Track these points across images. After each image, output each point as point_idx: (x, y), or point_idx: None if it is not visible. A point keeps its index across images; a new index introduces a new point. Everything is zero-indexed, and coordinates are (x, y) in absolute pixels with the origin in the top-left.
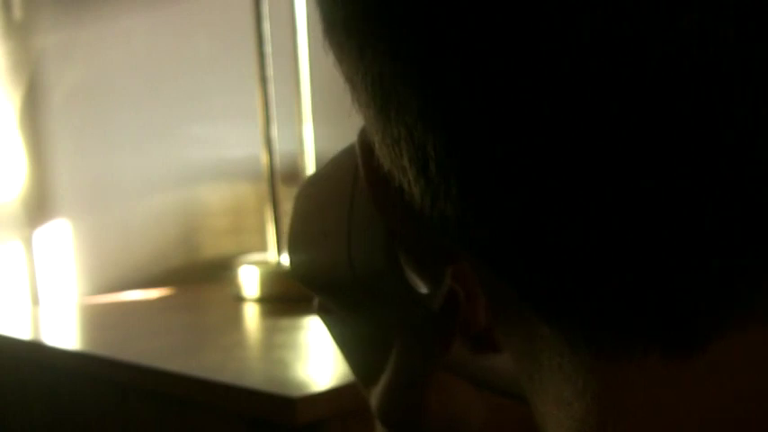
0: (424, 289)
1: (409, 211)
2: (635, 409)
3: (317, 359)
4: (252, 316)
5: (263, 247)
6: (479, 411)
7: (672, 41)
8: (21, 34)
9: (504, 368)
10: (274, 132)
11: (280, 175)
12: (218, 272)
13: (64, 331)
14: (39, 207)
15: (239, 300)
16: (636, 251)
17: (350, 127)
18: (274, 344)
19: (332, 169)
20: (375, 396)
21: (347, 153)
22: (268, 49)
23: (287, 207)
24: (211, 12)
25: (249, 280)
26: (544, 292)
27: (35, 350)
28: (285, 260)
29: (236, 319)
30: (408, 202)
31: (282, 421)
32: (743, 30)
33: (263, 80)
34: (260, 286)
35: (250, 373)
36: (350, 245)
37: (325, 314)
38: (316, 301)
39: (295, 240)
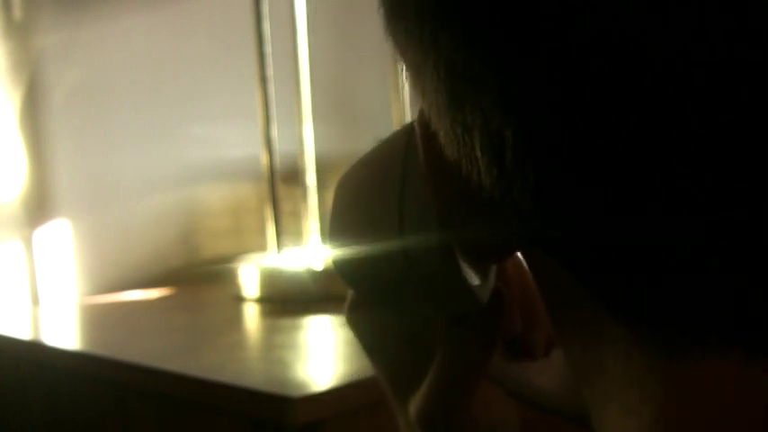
0: (475, 280)
1: (472, 201)
2: (711, 412)
3: (317, 359)
4: (252, 316)
5: (263, 247)
6: (514, 420)
7: (671, 40)
8: (21, 34)
9: (535, 378)
10: (274, 132)
11: (280, 175)
12: (218, 272)
13: (64, 331)
14: (39, 207)
15: (239, 300)
16: (718, 244)
17: (350, 127)
18: (274, 344)
19: (375, 158)
20: (416, 399)
21: (393, 140)
22: (268, 49)
23: (287, 207)
24: (211, 12)
25: (249, 280)
26: (620, 288)
27: (35, 350)
28: (285, 260)
29: (236, 319)
30: (474, 192)
31: (282, 421)
32: (741, 28)
33: (263, 80)
34: (260, 286)
35: (250, 373)
36: (402, 233)
37: (358, 314)
38: (347, 302)
39: (339, 230)
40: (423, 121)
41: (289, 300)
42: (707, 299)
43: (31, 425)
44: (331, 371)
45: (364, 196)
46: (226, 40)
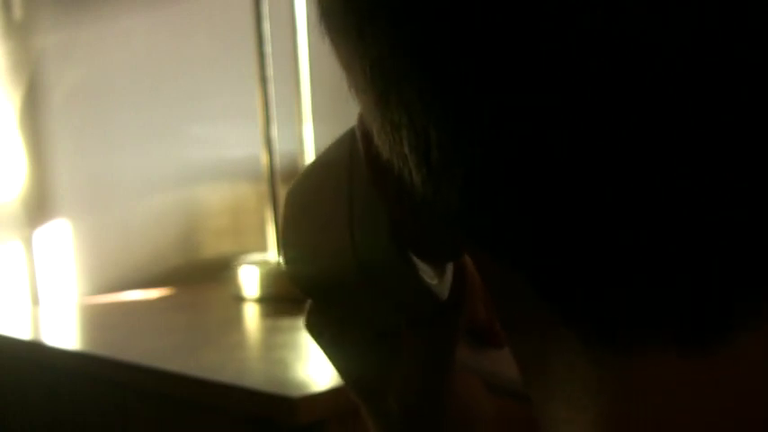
0: (432, 278)
1: (411, 200)
2: (652, 408)
3: (317, 359)
4: (252, 316)
5: (263, 247)
6: (490, 409)
7: (671, 40)
8: (21, 34)
9: (505, 367)
10: (274, 132)
11: (280, 175)
12: (218, 272)
13: (64, 331)
14: (39, 207)
15: (239, 300)
16: (652, 245)
17: (350, 126)
18: (274, 344)
19: (323, 163)
20: (397, 398)
21: (338, 144)
22: (268, 49)
23: None
24: (211, 12)
25: (249, 280)
26: (557, 285)
27: (35, 350)
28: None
29: (236, 319)
30: (410, 191)
31: (282, 421)
32: (741, 28)
33: (263, 80)
34: (260, 286)
35: (250, 373)
36: (353, 235)
37: (317, 319)
38: (306, 307)
39: (290, 237)
40: (361, 121)
41: (289, 300)
42: (642, 295)
43: (31, 425)
44: (331, 371)
45: (313, 202)
46: (226, 40)
